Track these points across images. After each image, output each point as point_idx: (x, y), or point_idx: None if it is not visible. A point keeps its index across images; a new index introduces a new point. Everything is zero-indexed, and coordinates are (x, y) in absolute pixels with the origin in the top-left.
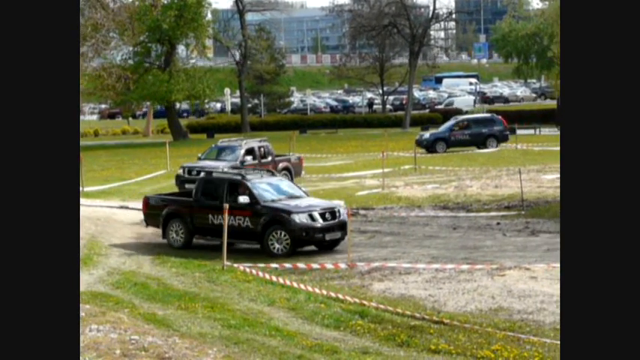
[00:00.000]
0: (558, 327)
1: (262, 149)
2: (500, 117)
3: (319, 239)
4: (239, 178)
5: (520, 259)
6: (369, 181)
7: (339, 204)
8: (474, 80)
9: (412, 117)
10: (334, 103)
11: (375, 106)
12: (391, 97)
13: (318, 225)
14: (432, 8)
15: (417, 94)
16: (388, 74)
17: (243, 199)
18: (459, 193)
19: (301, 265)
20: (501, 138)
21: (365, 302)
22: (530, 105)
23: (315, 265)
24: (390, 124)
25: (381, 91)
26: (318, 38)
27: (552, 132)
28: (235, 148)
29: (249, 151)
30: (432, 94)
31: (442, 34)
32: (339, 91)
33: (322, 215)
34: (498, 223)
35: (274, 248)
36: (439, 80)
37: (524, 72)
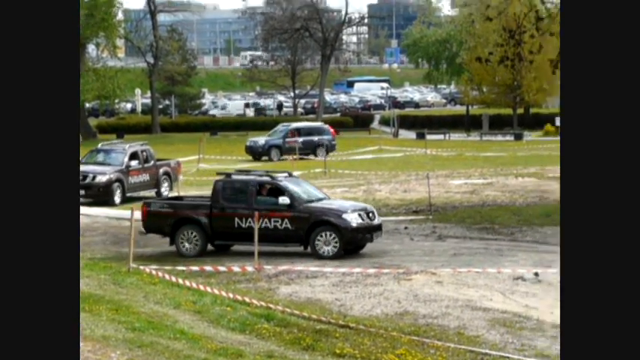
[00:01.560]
0: (462, 331)
1: (144, 153)
2: (329, 126)
3: (368, 240)
4: (269, 179)
5: (427, 263)
6: None
7: (368, 205)
8: (385, 85)
9: (323, 120)
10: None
11: (285, 109)
12: (303, 101)
13: (367, 225)
14: (344, 12)
15: (328, 97)
16: (300, 77)
17: (283, 200)
18: (367, 197)
19: (208, 267)
20: (330, 147)
21: (271, 306)
22: (440, 110)
23: (222, 268)
24: None
25: (292, 94)
26: (231, 40)
27: (462, 137)
28: (118, 151)
29: (134, 155)
30: (343, 98)
31: (354, 38)
32: (251, 94)
33: (367, 215)
34: (406, 228)
35: (323, 251)
36: (351, 84)
37: (434, 77)
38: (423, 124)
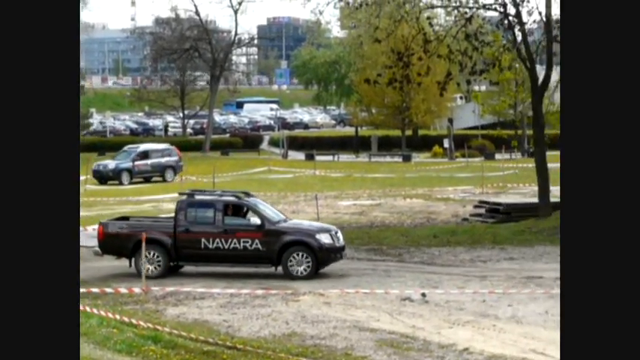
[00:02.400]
0: (349, 352)
1: None
2: (175, 148)
3: (337, 259)
4: (235, 199)
5: (315, 284)
6: (166, 204)
7: (332, 226)
8: (274, 106)
9: (212, 141)
10: (134, 126)
11: (174, 130)
12: (192, 121)
13: (338, 245)
14: (233, 33)
15: (217, 118)
16: (189, 98)
17: (254, 220)
18: None
19: (94, 289)
20: (177, 169)
21: (159, 327)
22: (330, 131)
23: (108, 290)
24: (190, 147)
25: (181, 115)
26: (120, 60)
27: (350, 158)
28: None
29: None
30: (232, 118)
31: (244, 59)
32: (140, 114)
33: (334, 236)
34: None
35: (296, 271)
36: (240, 105)
37: (324, 99)
38: (312, 145)
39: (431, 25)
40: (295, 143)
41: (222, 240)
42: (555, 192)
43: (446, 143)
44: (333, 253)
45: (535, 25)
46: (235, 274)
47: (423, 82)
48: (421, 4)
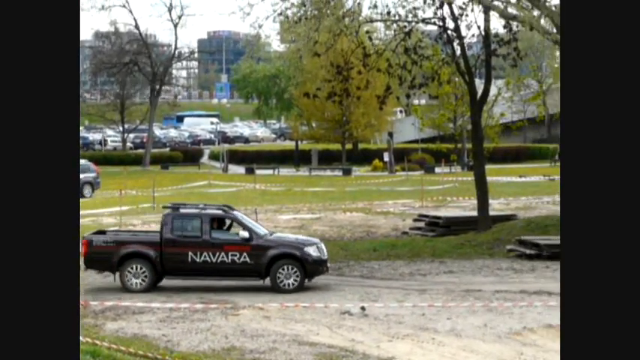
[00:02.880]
0: None
1: None
2: (92, 164)
3: (324, 272)
4: (222, 212)
5: (254, 298)
6: (106, 219)
7: (316, 239)
8: (215, 120)
9: (152, 155)
10: None
11: (113, 144)
12: (132, 135)
13: (323, 258)
14: (173, 47)
15: (157, 132)
16: (129, 112)
17: (243, 233)
18: None
19: None
20: (95, 185)
21: (97, 342)
22: (270, 145)
23: None
24: (129, 162)
25: (121, 129)
26: None
27: (291, 172)
28: None
29: None
30: (173, 132)
31: (184, 72)
32: (80, 128)
33: (321, 248)
34: None
35: (284, 284)
36: (180, 119)
37: (264, 112)
38: (252, 159)
39: (370, 39)
40: (235, 157)
41: (210, 253)
42: (495, 205)
43: (386, 157)
44: (320, 266)
45: (474, 39)
46: (174, 288)
47: (363, 95)
48: (360, 18)
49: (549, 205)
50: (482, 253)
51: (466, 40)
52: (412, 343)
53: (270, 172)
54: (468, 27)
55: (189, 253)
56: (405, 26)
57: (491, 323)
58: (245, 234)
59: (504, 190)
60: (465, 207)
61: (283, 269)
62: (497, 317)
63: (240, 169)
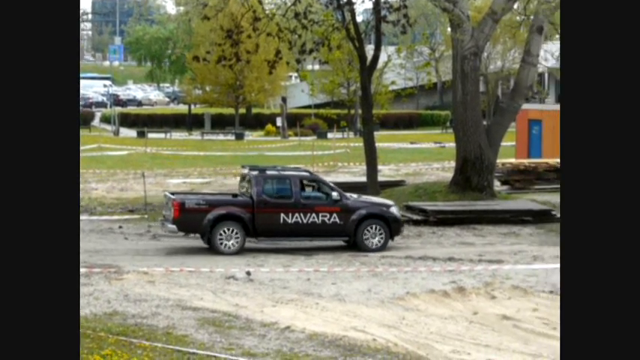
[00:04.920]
0: (171, 331)
1: None
2: None
3: (402, 232)
4: (309, 174)
5: (140, 263)
6: None
7: (390, 201)
8: (107, 82)
9: None
10: None
11: None
12: None
13: (400, 218)
14: None
15: None
16: None
17: (335, 195)
18: (83, 196)
19: None
20: None
21: None
22: (163, 109)
23: None
24: None
25: None
26: None
27: (183, 136)
28: None
29: None
30: None
31: None
32: None
33: (397, 209)
34: (120, 227)
35: (370, 243)
36: None
37: (157, 76)
38: (144, 122)
39: (261, 2)
40: (128, 120)
41: (302, 215)
42: (385, 171)
43: (279, 122)
44: (401, 226)
45: (364, 5)
46: None
47: (254, 60)
48: None
49: (438, 171)
50: None
51: (357, 6)
52: (296, 308)
53: (162, 135)
54: None
55: (282, 215)
56: None
57: (375, 288)
58: (336, 195)
59: (395, 156)
60: (355, 172)
61: (370, 229)
62: (381, 282)
63: (131, 133)
